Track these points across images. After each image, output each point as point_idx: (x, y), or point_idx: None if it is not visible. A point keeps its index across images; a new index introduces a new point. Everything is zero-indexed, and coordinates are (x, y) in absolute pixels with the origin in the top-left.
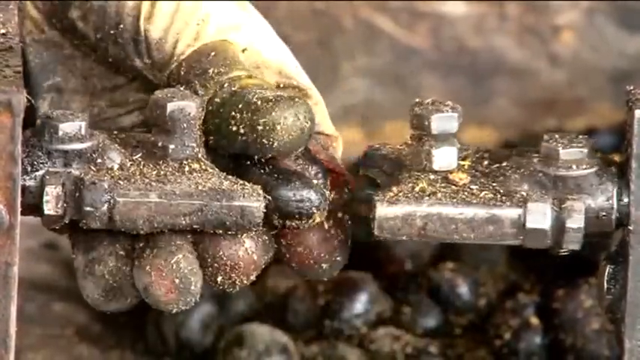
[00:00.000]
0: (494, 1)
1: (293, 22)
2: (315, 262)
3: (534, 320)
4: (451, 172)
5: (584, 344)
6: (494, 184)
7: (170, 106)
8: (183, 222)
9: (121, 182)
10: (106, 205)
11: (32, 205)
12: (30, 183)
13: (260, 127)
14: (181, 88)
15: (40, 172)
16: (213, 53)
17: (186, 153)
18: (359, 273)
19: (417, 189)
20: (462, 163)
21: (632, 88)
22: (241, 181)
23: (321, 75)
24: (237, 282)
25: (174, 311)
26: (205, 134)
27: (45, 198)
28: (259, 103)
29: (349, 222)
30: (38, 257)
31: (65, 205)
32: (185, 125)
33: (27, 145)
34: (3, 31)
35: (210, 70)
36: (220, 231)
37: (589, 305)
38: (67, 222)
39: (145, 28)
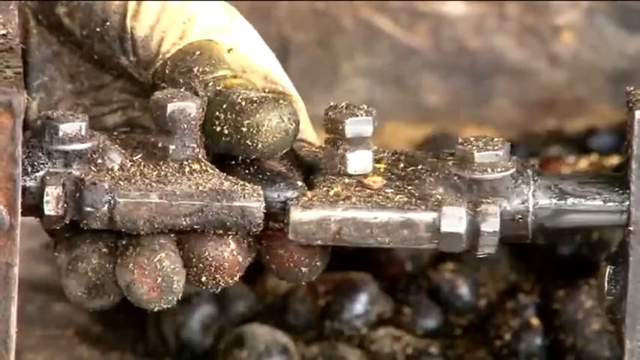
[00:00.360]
0: (494, 1)
1: (293, 22)
2: (294, 266)
3: (535, 321)
4: (366, 175)
5: (584, 345)
6: (409, 188)
7: (170, 107)
8: (184, 222)
9: (122, 183)
10: (106, 206)
11: (33, 205)
12: (30, 184)
13: (244, 129)
14: (182, 90)
15: (41, 173)
16: (198, 52)
17: (186, 154)
18: (359, 274)
19: (331, 193)
20: (378, 166)
21: (632, 88)
22: (242, 182)
23: (321, 75)
24: (220, 282)
25: (155, 309)
26: None
27: (45, 199)
28: (244, 104)
29: None
30: (38, 258)
31: (65, 205)
32: (185, 126)
33: (27, 145)
34: (3, 32)
35: (195, 69)
36: (221, 231)
37: (589, 306)
38: (67, 222)
39: (131, 26)
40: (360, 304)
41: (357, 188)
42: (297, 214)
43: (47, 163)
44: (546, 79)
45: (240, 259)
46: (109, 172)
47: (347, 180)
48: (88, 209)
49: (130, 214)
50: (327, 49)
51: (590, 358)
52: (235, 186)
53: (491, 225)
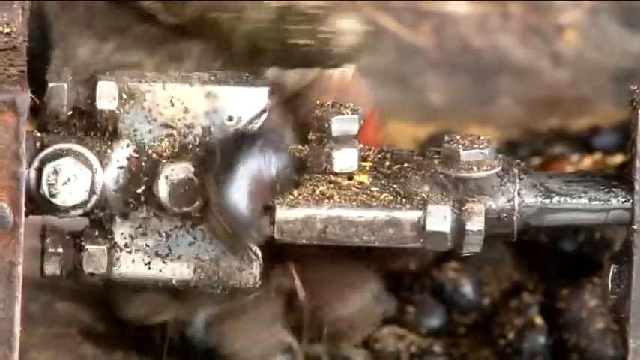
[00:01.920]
0: (497, 1)
1: None
2: None
3: (538, 320)
4: (352, 174)
5: (587, 344)
6: (395, 186)
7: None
8: None
9: None
10: None
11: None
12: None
13: (321, 36)
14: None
15: None
16: None
17: None
18: (363, 272)
19: (317, 192)
20: (363, 164)
21: (635, 87)
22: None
23: None
24: None
25: None
26: (258, 50)
27: None
28: (317, 13)
29: None
30: None
31: None
32: None
33: None
34: (7, 30)
35: None
36: None
37: (593, 305)
38: None
39: None
40: None
41: (343, 187)
42: (282, 213)
43: None
44: (549, 78)
45: None
46: None
47: (333, 178)
48: None
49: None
50: None
51: (594, 357)
52: None
53: (476, 224)
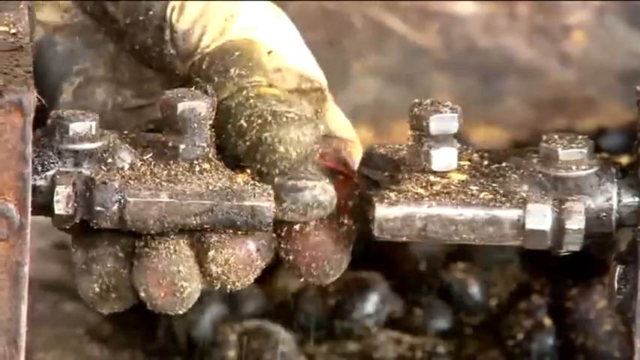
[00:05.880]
0: (504, 1)
1: (303, 22)
2: (317, 266)
3: (547, 321)
4: (451, 172)
5: (594, 345)
6: (493, 185)
7: (181, 106)
8: (194, 222)
9: (132, 182)
10: (116, 205)
11: (43, 204)
12: (40, 183)
13: (266, 141)
14: (192, 89)
15: (51, 172)
16: (237, 53)
17: (196, 153)
18: (370, 273)
19: (416, 190)
20: (462, 163)
21: None
22: (252, 181)
23: (331, 75)
24: (236, 283)
25: (172, 313)
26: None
27: (55, 198)
28: (269, 117)
29: (353, 227)
30: (49, 257)
31: (76, 204)
32: (196, 125)
33: (37, 144)
34: (13, 30)
35: (232, 70)
36: (231, 231)
37: (602, 306)
38: (77, 222)
39: (174, 19)
40: (370, 304)
41: (442, 185)
42: (382, 211)
43: (57, 162)
44: (556, 78)
45: (258, 261)
46: (119, 172)
47: (432, 177)
48: (98, 208)
49: (140, 214)
50: (337, 49)
51: (601, 358)
52: (245, 185)
53: (576, 222)
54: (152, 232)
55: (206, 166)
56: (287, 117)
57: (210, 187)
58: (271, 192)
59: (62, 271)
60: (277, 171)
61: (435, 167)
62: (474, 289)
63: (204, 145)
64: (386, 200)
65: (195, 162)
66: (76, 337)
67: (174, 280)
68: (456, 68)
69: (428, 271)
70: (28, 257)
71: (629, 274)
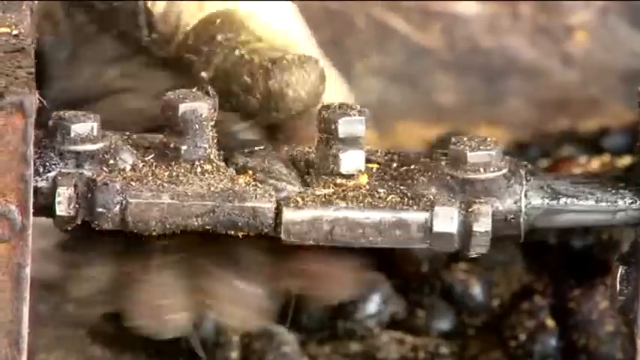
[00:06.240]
0: (507, 1)
1: (306, 22)
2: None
3: (550, 322)
4: (358, 175)
5: (597, 346)
6: (401, 188)
7: (182, 107)
8: (196, 223)
9: (133, 183)
10: (118, 207)
11: (44, 206)
12: (42, 184)
13: (274, 88)
14: (193, 90)
15: (52, 173)
16: (219, 20)
17: (198, 154)
18: (372, 273)
19: (324, 193)
20: (370, 166)
21: None
22: (254, 182)
23: None
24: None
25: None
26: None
27: (57, 199)
28: (270, 65)
29: None
30: (50, 258)
31: (77, 206)
32: (197, 126)
33: (39, 146)
34: (15, 32)
35: (219, 36)
36: (232, 232)
37: (605, 307)
38: (79, 223)
39: (149, 4)
40: (373, 304)
41: (350, 188)
42: (289, 214)
43: (59, 164)
44: (559, 78)
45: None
46: (121, 173)
47: (339, 180)
48: (100, 210)
49: (141, 215)
50: (340, 49)
51: (604, 359)
52: (247, 186)
53: (483, 225)
54: (154, 233)
55: (207, 167)
56: (287, 60)
57: (212, 188)
58: (273, 193)
59: (64, 272)
60: (294, 114)
61: (343, 170)
62: (477, 290)
63: (206, 146)
64: (293, 203)
65: (197, 163)
66: (78, 337)
67: (162, 313)
68: (459, 68)
69: (430, 271)
70: (30, 258)
71: (632, 275)
